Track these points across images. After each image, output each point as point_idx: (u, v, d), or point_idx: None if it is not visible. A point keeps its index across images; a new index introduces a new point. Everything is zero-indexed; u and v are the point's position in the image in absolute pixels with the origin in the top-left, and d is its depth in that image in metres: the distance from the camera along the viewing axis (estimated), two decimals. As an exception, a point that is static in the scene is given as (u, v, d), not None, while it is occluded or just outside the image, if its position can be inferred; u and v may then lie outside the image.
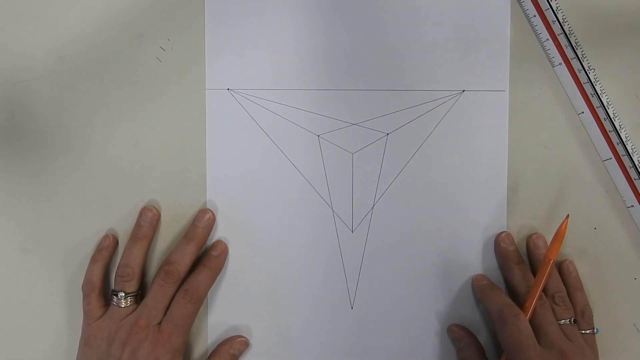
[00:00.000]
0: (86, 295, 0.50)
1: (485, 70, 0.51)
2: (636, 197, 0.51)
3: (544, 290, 0.49)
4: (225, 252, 0.52)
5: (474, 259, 0.52)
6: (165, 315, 0.49)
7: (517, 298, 0.50)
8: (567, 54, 0.51)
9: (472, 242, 0.52)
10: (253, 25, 0.51)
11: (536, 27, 0.51)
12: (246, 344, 0.52)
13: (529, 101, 0.52)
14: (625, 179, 0.51)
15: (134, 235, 0.51)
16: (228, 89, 0.52)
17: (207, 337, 0.52)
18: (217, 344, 0.52)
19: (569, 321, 0.49)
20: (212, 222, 0.51)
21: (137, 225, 0.51)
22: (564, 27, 0.51)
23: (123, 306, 0.49)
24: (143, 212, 0.51)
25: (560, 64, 0.51)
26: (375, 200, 0.52)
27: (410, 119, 0.52)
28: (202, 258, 0.51)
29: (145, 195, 0.52)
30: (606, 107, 0.51)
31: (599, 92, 0.51)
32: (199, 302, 0.50)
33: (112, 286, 0.51)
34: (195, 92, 0.52)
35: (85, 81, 0.52)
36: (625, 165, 0.51)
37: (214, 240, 0.52)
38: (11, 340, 0.53)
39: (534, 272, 0.51)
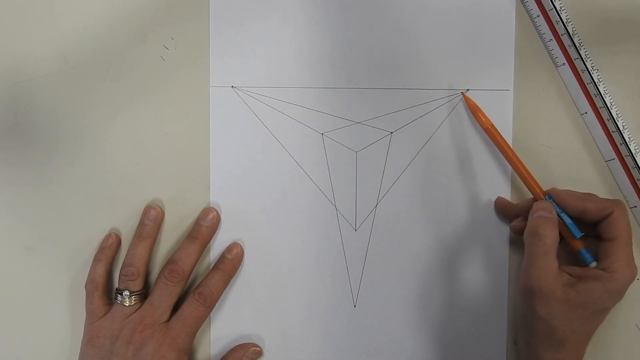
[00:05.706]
0: (89, 294, 0.50)
1: (490, 70, 0.51)
2: (639, 198, 0.51)
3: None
4: (239, 256, 0.51)
5: (478, 258, 0.52)
6: (176, 315, 0.49)
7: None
8: (570, 54, 0.51)
9: (476, 241, 0.52)
10: (257, 23, 0.51)
11: (540, 27, 0.51)
12: (260, 354, 0.52)
13: (532, 101, 0.52)
14: (628, 180, 0.51)
15: (138, 234, 0.51)
16: (232, 87, 0.52)
17: (209, 335, 0.52)
18: (230, 349, 0.52)
19: None
20: (217, 221, 0.51)
21: (141, 224, 0.51)
22: (568, 28, 0.51)
23: (127, 305, 0.49)
24: (147, 210, 0.51)
25: (563, 64, 0.51)
26: (379, 199, 0.52)
27: (415, 118, 0.52)
28: (217, 261, 0.51)
29: (149, 194, 0.52)
30: (609, 108, 0.51)
31: (602, 92, 0.51)
32: (212, 305, 0.50)
33: (116, 285, 0.51)
34: (199, 90, 0.52)
35: (89, 80, 0.52)
36: (629, 165, 0.51)
37: (218, 240, 0.52)
38: (14, 339, 0.53)
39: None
